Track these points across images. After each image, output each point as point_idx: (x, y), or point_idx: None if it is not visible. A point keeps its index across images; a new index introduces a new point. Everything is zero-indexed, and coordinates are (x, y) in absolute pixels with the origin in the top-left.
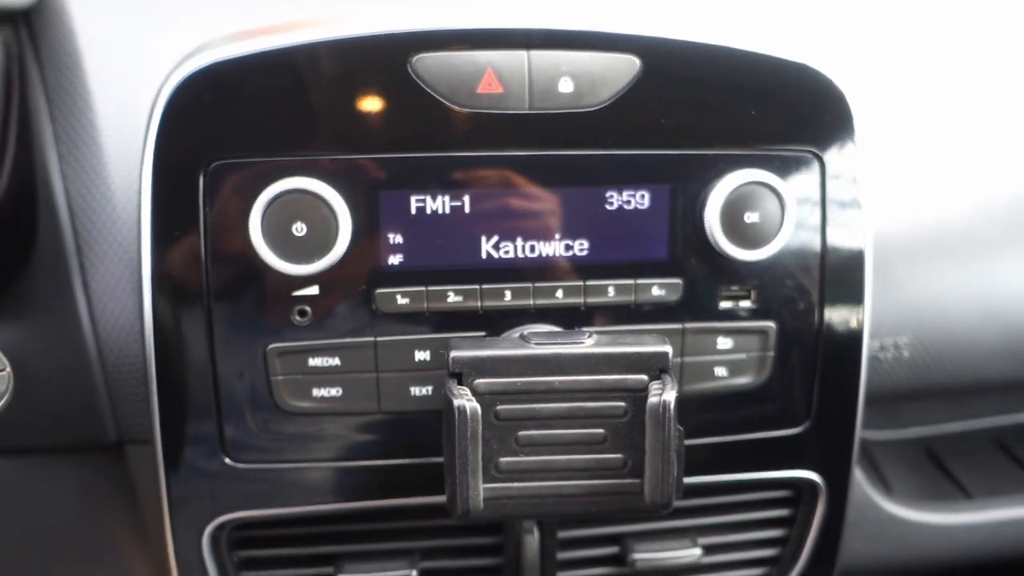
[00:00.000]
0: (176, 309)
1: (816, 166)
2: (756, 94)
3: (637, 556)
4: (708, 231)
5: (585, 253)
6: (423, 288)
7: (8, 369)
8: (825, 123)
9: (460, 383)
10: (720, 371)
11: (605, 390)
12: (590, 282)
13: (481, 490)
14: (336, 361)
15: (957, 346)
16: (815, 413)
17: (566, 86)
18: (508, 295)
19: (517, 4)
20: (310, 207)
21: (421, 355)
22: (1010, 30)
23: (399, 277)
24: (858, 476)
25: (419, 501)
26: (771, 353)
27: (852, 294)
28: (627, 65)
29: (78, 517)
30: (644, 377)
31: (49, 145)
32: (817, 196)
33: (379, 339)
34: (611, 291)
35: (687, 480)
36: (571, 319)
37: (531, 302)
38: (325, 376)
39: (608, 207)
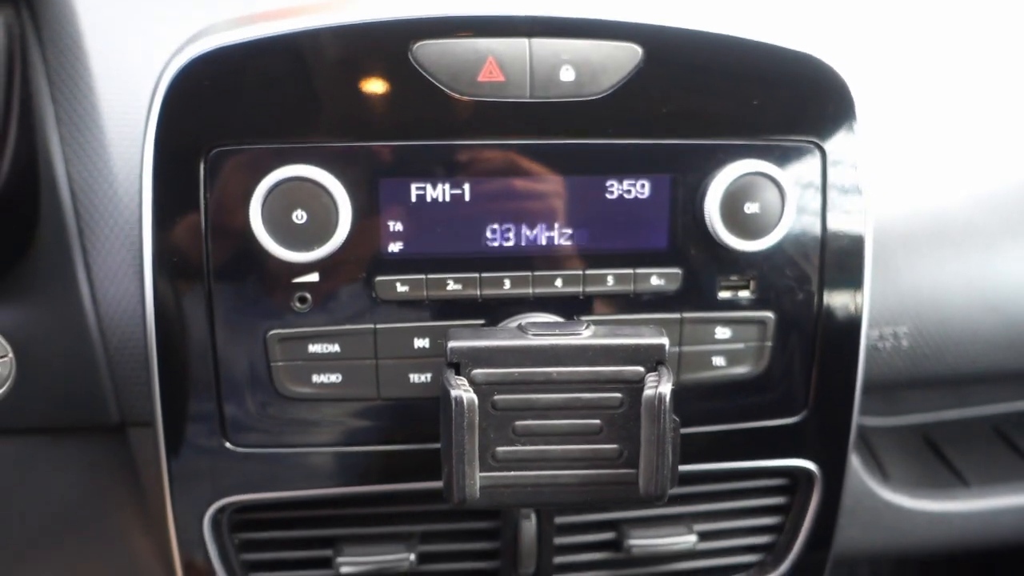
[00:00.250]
0: (177, 296)
1: (817, 156)
2: (759, 84)
3: (633, 542)
4: (708, 221)
5: (585, 242)
6: (423, 276)
7: (10, 355)
8: (827, 113)
9: (458, 373)
10: (718, 360)
11: (602, 381)
12: (589, 271)
13: (477, 479)
14: (336, 347)
15: (956, 336)
16: (812, 403)
17: (567, 74)
18: (507, 283)
19: None
20: (310, 195)
21: (420, 342)
22: (1011, 21)
23: (399, 265)
24: (855, 463)
25: (417, 486)
26: (769, 343)
27: (851, 286)
28: (629, 54)
29: (83, 497)
30: (640, 369)
31: (51, 127)
32: (818, 187)
33: (379, 326)
34: (610, 280)
35: (684, 468)
36: (570, 308)
37: (530, 291)
38: (325, 362)
39: (608, 196)
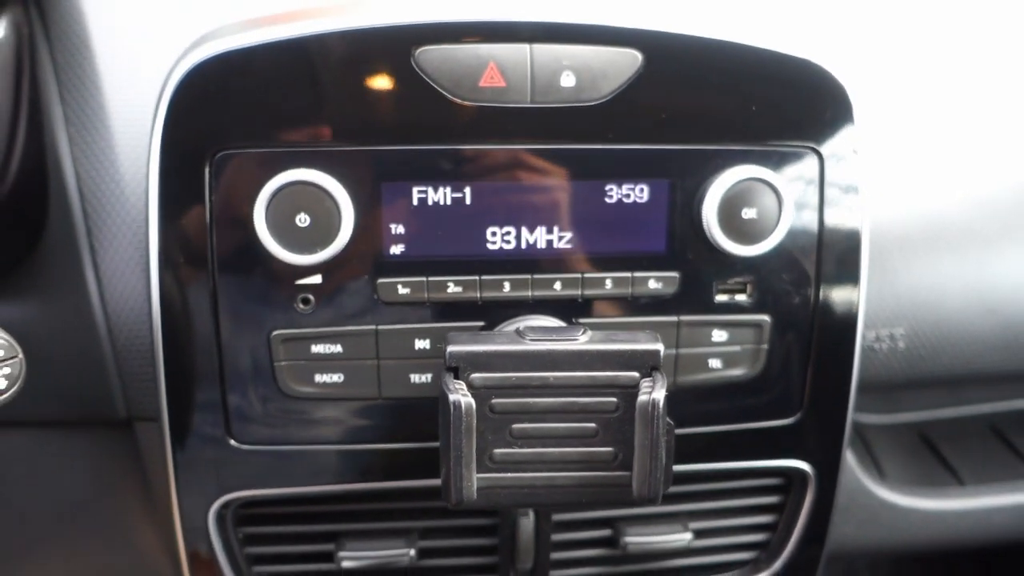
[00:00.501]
0: (183, 296)
1: (815, 162)
2: (758, 89)
3: (629, 539)
4: (705, 226)
5: (583, 245)
6: (423, 278)
7: (20, 355)
8: (826, 119)
9: (456, 377)
10: (715, 363)
11: (597, 386)
12: (588, 274)
13: (475, 480)
14: (338, 348)
15: (953, 338)
16: (807, 405)
17: (568, 80)
18: (507, 286)
19: None
20: (313, 198)
21: (421, 343)
22: (1009, 24)
23: (400, 267)
24: (851, 461)
25: (418, 483)
26: (765, 346)
27: (847, 289)
28: (629, 59)
29: (91, 489)
30: (635, 374)
31: (59, 127)
32: (815, 192)
33: (380, 327)
34: (608, 284)
35: (679, 467)
36: (569, 310)
37: (529, 293)
38: (327, 362)
39: (607, 200)
